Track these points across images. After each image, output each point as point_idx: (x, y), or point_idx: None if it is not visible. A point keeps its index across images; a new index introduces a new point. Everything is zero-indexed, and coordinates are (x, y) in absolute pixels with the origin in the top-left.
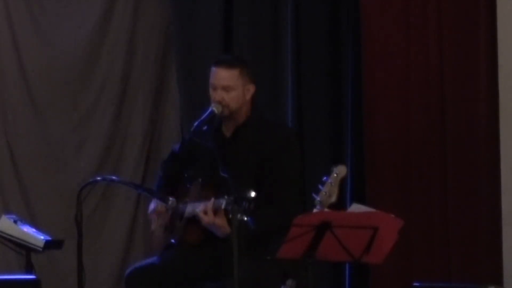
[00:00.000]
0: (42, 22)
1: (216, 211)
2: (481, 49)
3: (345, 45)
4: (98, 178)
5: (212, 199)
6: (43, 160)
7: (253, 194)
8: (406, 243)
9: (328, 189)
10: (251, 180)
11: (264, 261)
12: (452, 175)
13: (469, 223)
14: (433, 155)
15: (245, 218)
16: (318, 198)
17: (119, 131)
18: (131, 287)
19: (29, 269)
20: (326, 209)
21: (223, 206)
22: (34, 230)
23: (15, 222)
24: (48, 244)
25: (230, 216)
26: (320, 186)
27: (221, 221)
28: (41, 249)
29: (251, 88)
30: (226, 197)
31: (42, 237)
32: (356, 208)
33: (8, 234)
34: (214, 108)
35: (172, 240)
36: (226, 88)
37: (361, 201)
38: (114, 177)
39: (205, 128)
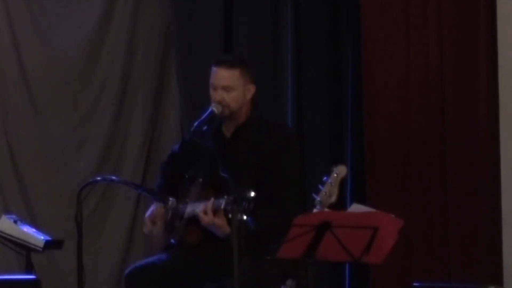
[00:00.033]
0: (42, 22)
1: (215, 211)
2: (481, 49)
3: (345, 45)
4: (98, 178)
5: (212, 199)
6: (43, 160)
7: (252, 194)
8: (406, 243)
9: (328, 189)
10: (251, 180)
11: (264, 261)
12: (452, 175)
13: (469, 223)
14: (433, 155)
15: (245, 217)
16: (318, 198)
17: (119, 131)
18: (131, 286)
19: (29, 269)
20: (326, 209)
21: (222, 206)
22: (34, 230)
23: (15, 222)
24: (48, 244)
25: (230, 216)
26: (320, 186)
27: (220, 221)
28: (41, 249)
29: (252, 88)
30: (225, 197)
31: (42, 237)
32: (356, 208)
33: (8, 234)
34: (214, 108)
35: (172, 240)
36: (226, 88)
37: (361, 201)
38: (114, 177)
39: (205, 128)
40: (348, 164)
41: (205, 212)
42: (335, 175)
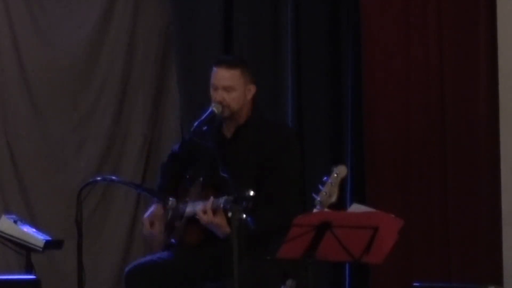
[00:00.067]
0: (42, 22)
1: (215, 210)
2: (481, 49)
3: (345, 45)
4: (98, 178)
5: (211, 198)
6: (43, 160)
7: (252, 192)
8: (406, 243)
9: (328, 189)
10: (251, 180)
11: (264, 261)
12: (452, 175)
13: (469, 223)
14: (433, 155)
15: (244, 216)
16: (318, 198)
17: (119, 131)
18: (130, 285)
19: (29, 269)
20: (326, 209)
21: (221, 205)
22: (34, 230)
23: (15, 222)
24: (48, 244)
25: (230, 215)
26: (320, 186)
27: (220, 220)
28: (41, 249)
29: (252, 88)
30: (225, 196)
31: (42, 237)
32: (356, 208)
33: (8, 234)
34: (214, 108)
35: (172, 240)
36: (227, 88)
37: (361, 201)
38: (114, 177)
39: (205, 128)
40: (348, 164)
41: (205, 211)
42: (335, 175)
